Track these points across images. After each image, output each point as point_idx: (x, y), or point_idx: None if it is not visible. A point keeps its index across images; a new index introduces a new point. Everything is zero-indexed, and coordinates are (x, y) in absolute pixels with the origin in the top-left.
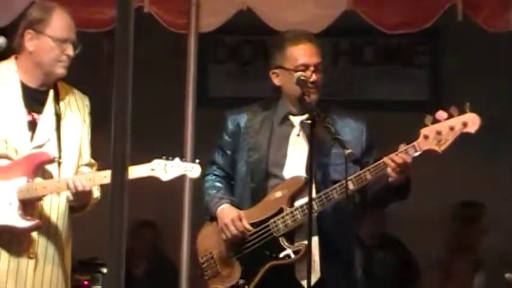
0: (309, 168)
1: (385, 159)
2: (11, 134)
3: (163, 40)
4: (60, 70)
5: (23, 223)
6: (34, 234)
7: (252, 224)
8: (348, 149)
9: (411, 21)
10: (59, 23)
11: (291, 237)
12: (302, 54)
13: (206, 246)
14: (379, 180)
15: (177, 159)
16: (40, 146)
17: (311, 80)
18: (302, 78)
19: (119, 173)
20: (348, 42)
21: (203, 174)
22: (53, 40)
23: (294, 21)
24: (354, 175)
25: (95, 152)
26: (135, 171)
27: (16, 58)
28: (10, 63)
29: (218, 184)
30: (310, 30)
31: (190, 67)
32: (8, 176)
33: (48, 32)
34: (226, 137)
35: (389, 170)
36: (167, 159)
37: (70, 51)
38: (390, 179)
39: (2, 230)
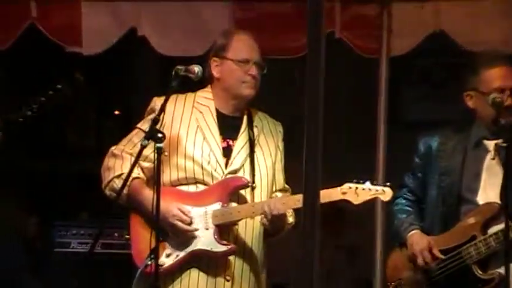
0: (504, 193)
1: None
2: (207, 160)
3: (354, 65)
4: (247, 91)
5: (219, 247)
6: (231, 257)
7: (443, 251)
8: None
9: None
10: (239, 46)
11: (484, 265)
12: (498, 77)
13: (395, 272)
14: None
15: (368, 183)
16: (234, 172)
17: (506, 103)
18: (497, 100)
19: (311, 197)
20: None
21: (393, 197)
22: (234, 62)
23: (489, 42)
24: None
25: (288, 178)
26: (327, 195)
27: (211, 87)
28: (206, 92)
29: (408, 208)
30: (507, 51)
31: (381, 91)
32: (204, 201)
33: (229, 55)
34: (417, 160)
35: None
36: (358, 182)
37: (253, 71)
38: None
39: (199, 253)
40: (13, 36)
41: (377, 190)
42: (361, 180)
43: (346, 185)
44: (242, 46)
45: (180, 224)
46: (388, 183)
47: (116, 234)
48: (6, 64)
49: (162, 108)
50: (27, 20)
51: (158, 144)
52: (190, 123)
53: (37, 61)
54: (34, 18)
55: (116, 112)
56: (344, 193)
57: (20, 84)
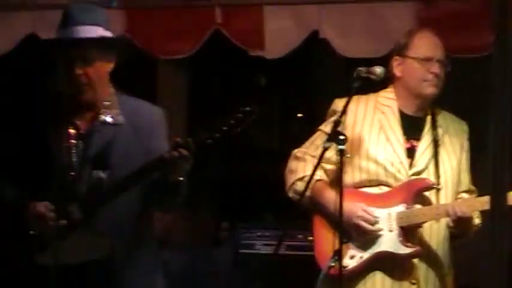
0: None
1: None
2: (390, 161)
3: None
4: (429, 89)
5: (404, 250)
6: (415, 260)
7: None
8: None
9: None
10: (421, 44)
11: None
12: None
13: None
14: None
15: None
16: (418, 173)
17: None
18: None
19: (498, 199)
20: None
21: None
22: (416, 61)
23: None
24: None
25: (474, 179)
26: None
27: (393, 86)
28: (388, 92)
29: None
30: None
31: None
32: (387, 203)
33: (410, 54)
34: None
35: None
36: None
37: (435, 69)
38: None
39: (384, 255)
40: (198, 42)
41: None
42: None
43: None
44: (424, 44)
45: (364, 224)
46: None
47: (300, 236)
48: (192, 69)
49: (344, 110)
50: (212, 26)
51: (340, 147)
52: (372, 124)
53: (221, 65)
54: (218, 24)
55: (299, 115)
56: None
57: (206, 89)
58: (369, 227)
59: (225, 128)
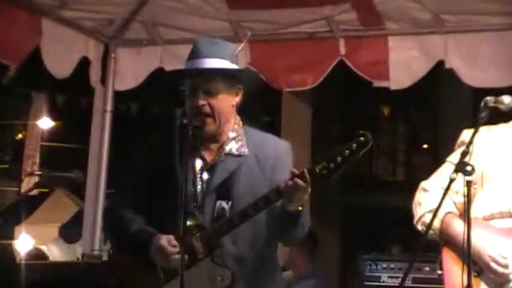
0: None
1: None
2: None
3: None
4: None
5: None
6: None
7: None
8: None
9: None
10: None
11: None
12: None
13: None
14: None
15: None
16: None
17: None
18: None
19: None
20: None
21: None
22: None
23: None
24: None
25: None
26: None
27: None
28: None
29: None
30: None
31: None
32: None
33: None
34: None
35: None
36: None
37: None
38: None
39: None
40: (322, 74)
41: None
42: None
43: None
44: None
45: (495, 266)
46: None
47: (427, 269)
48: (316, 100)
49: (471, 140)
50: (336, 57)
51: (467, 177)
52: (503, 155)
53: (344, 96)
54: (343, 55)
55: (425, 146)
56: None
57: (330, 119)
58: (500, 269)
59: (339, 159)
